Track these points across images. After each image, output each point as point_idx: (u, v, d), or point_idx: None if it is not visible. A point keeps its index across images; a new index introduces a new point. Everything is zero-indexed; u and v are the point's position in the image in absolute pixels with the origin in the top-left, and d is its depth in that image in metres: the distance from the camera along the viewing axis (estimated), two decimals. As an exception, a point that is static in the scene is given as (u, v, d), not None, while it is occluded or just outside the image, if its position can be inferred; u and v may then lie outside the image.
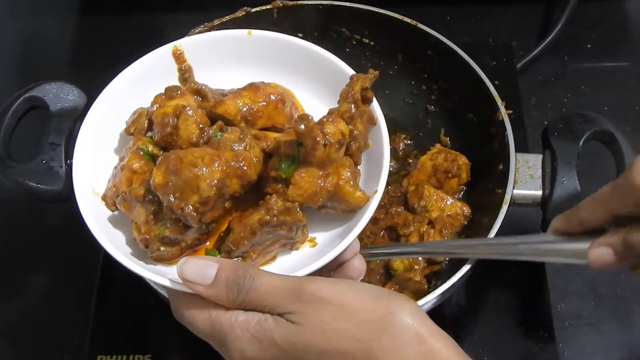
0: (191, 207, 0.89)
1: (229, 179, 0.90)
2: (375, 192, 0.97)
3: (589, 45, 1.73)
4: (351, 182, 0.95)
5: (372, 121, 1.01)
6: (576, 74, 1.69)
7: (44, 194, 1.26)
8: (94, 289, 1.37)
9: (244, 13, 1.41)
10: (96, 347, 1.32)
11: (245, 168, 0.91)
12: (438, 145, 1.44)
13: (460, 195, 1.40)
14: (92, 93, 1.32)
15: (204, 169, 0.89)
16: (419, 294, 1.24)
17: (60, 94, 1.31)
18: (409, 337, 0.81)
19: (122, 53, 1.65)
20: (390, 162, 1.32)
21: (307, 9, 1.44)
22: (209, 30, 1.38)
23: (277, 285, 0.85)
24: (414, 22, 1.40)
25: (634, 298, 1.39)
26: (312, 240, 1.00)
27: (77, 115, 1.30)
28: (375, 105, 1.03)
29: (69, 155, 1.27)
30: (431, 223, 1.33)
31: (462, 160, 1.39)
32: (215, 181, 0.89)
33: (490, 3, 1.77)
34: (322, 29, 1.46)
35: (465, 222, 1.34)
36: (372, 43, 1.46)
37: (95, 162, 1.02)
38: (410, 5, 1.52)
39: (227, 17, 1.39)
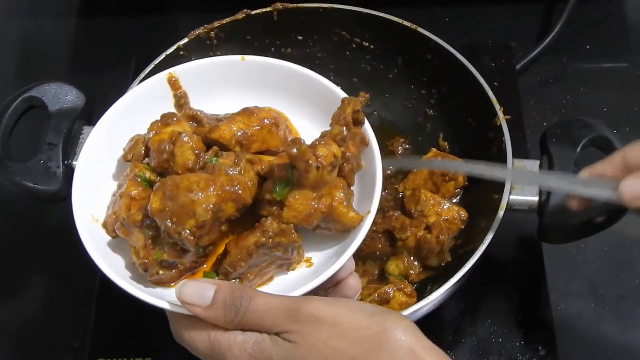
0: (188, 232, 0.91)
1: (225, 203, 0.92)
2: (369, 212, 0.99)
3: (588, 46, 1.73)
4: (344, 203, 0.97)
5: (364, 142, 1.03)
6: (575, 75, 1.68)
7: (42, 194, 1.26)
8: (94, 291, 1.37)
9: (244, 15, 1.41)
10: (96, 350, 1.33)
11: (240, 192, 0.93)
12: (434, 149, 1.44)
13: (457, 199, 1.40)
14: (90, 94, 1.33)
15: (200, 194, 0.90)
16: (405, 307, 1.24)
17: (59, 94, 1.31)
18: (403, 353, 0.82)
19: (120, 55, 1.67)
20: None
21: (307, 12, 1.44)
22: (209, 31, 1.38)
23: (274, 306, 0.86)
24: (413, 26, 1.40)
25: (635, 299, 1.39)
26: (308, 260, 1.02)
27: (76, 116, 1.30)
28: (367, 127, 1.05)
29: (67, 155, 1.27)
30: (428, 228, 1.33)
31: (459, 163, 1.40)
32: (211, 205, 0.90)
33: (489, 4, 1.77)
34: (322, 31, 1.46)
35: (462, 226, 1.34)
36: (372, 46, 1.46)
37: (93, 189, 1.04)
38: (409, 6, 1.53)
39: (226, 19, 1.39)
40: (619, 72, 1.69)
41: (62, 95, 1.31)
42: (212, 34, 1.39)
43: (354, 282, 0.98)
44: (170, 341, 1.34)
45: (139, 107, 1.11)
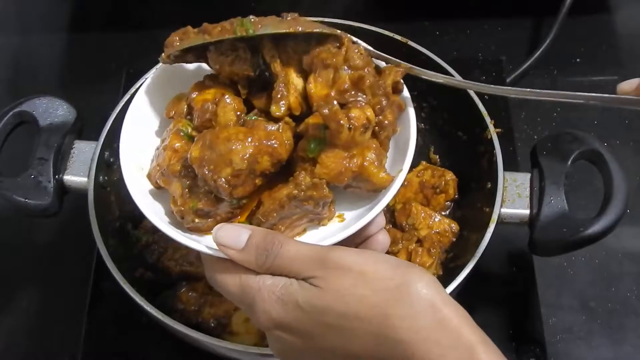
0: (224, 180, 0.94)
1: (261, 156, 0.95)
2: (400, 170, 1.01)
3: (578, 60, 1.73)
4: (375, 164, 0.99)
5: (400, 108, 1.05)
6: (565, 88, 1.66)
7: (32, 209, 1.26)
8: (84, 305, 1.36)
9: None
10: (87, 360, 1.33)
11: (276, 146, 0.96)
12: (424, 162, 1.45)
13: (448, 212, 1.40)
14: (81, 108, 1.33)
15: (237, 144, 0.94)
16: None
17: (49, 109, 1.32)
18: (423, 305, 0.84)
19: (110, 69, 1.67)
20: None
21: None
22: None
23: (303, 252, 0.90)
24: (404, 40, 1.40)
25: (625, 312, 1.40)
26: (341, 216, 1.04)
27: (67, 130, 1.30)
28: (404, 92, 1.07)
29: (58, 170, 1.27)
30: (420, 241, 1.33)
31: (450, 175, 1.40)
32: (247, 155, 0.94)
33: (480, 18, 1.78)
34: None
35: (454, 239, 1.34)
36: (362, 60, 1.46)
37: (139, 142, 1.08)
38: (400, 20, 1.53)
39: (217, 33, 1.39)
40: (608, 86, 1.68)
41: (53, 110, 1.31)
42: (202, 47, 1.39)
43: (383, 238, 1.02)
44: (160, 356, 1.35)
45: (185, 67, 1.13)
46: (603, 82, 1.70)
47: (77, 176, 1.30)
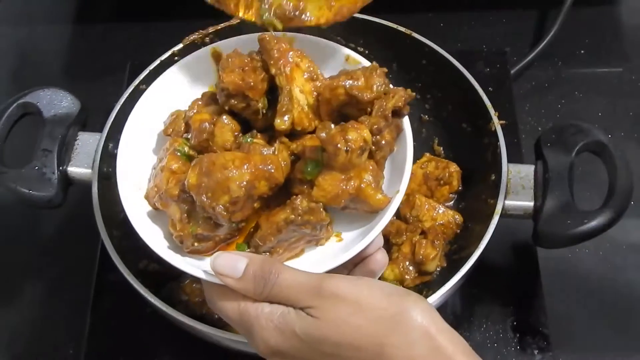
0: (222, 207, 0.95)
1: (258, 181, 0.97)
2: (398, 191, 1.02)
3: (582, 51, 1.73)
4: (372, 185, 1.00)
5: (398, 129, 1.07)
6: (570, 80, 1.68)
7: (36, 200, 1.26)
8: (89, 298, 1.36)
9: (239, 21, 1.40)
10: (91, 357, 1.33)
11: (272, 171, 0.97)
12: (427, 154, 1.45)
13: (452, 204, 1.40)
14: (85, 100, 1.33)
15: (234, 171, 0.95)
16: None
17: (54, 101, 1.32)
18: (418, 334, 0.86)
19: (116, 61, 1.67)
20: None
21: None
22: (204, 37, 1.38)
23: (300, 281, 0.91)
24: (408, 31, 1.40)
25: (629, 304, 1.40)
26: (339, 235, 1.06)
27: (71, 122, 1.30)
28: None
29: (62, 161, 1.27)
30: (423, 233, 1.33)
31: (453, 167, 1.40)
32: (245, 182, 0.95)
33: (484, 9, 1.77)
34: (317, 36, 1.45)
35: (458, 231, 1.35)
36: (366, 52, 1.45)
37: (136, 162, 1.09)
38: (404, 12, 1.52)
39: (221, 25, 1.39)
40: (613, 77, 1.70)
41: (57, 101, 1.32)
42: (207, 39, 1.38)
43: (381, 257, 1.03)
44: (164, 348, 1.35)
45: (183, 81, 1.15)
46: (608, 74, 1.70)
47: (81, 168, 1.30)
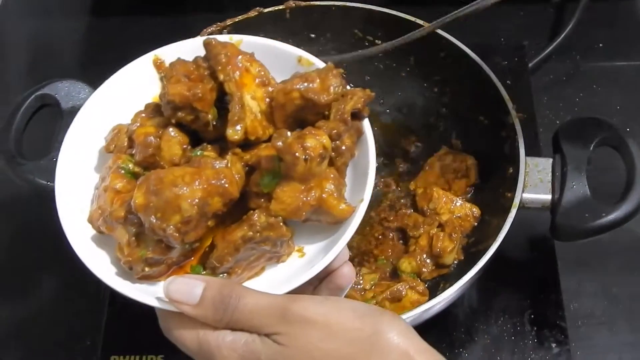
0: (173, 228, 0.87)
1: (211, 197, 0.89)
2: (362, 200, 0.95)
3: (600, 45, 1.72)
4: (335, 195, 0.93)
5: (359, 132, 0.99)
6: (588, 73, 1.68)
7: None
8: (106, 288, 1.35)
9: (256, 13, 1.41)
10: (109, 347, 1.33)
11: (226, 185, 0.90)
12: (445, 147, 1.45)
13: (469, 197, 1.40)
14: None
15: (185, 188, 0.87)
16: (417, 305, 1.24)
17: (71, 92, 1.31)
18: (397, 355, 0.82)
19: (132, 52, 1.66)
20: (402, 164, 1.30)
21: (320, 10, 1.44)
22: (221, 30, 1.38)
23: (263, 305, 0.84)
24: (426, 24, 1.40)
25: (647, 297, 1.39)
26: (301, 250, 0.98)
27: (89, 113, 1.30)
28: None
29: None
30: (441, 226, 1.33)
31: (471, 160, 1.40)
32: (197, 200, 0.87)
33: (502, 3, 1.76)
34: (335, 29, 1.46)
35: (475, 224, 1.35)
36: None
37: (78, 182, 1.00)
38: (423, 5, 1.52)
39: (239, 17, 1.39)
40: (631, 71, 1.69)
41: (75, 93, 1.31)
42: (225, 32, 1.38)
43: (348, 271, 0.95)
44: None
45: (123, 93, 1.05)
46: (627, 67, 1.69)
47: (99, 159, 1.30)
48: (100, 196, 0.96)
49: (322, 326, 0.82)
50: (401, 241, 1.39)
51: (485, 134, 1.39)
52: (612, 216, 1.17)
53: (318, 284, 0.95)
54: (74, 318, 1.40)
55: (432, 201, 1.35)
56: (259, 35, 1.07)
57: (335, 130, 0.93)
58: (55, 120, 1.29)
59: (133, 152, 0.98)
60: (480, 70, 1.36)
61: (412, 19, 1.42)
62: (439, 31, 1.39)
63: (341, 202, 0.93)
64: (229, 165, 0.93)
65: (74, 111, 1.27)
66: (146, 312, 1.33)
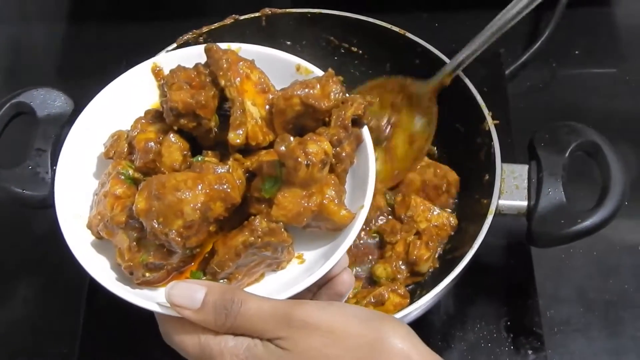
0: (175, 232, 0.88)
1: (213, 202, 0.90)
2: (362, 207, 0.97)
3: (577, 52, 1.73)
4: (335, 201, 0.95)
5: (358, 139, 1.01)
6: (564, 81, 1.69)
7: (30, 200, 1.26)
8: (82, 296, 1.36)
9: (232, 21, 1.41)
10: (84, 356, 1.33)
11: (229, 190, 0.91)
12: (426, 158, 1.44)
13: (451, 210, 1.40)
14: (79, 99, 1.32)
15: (187, 193, 0.88)
16: (399, 308, 1.24)
17: (47, 100, 1.31)
18: None
19: (110, 60, 1.67)
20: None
21: (296, 17, 1.44)
22: (198, 37, 1.38)
23: (265, 310, 0.85)
24: (402, 31, 1.40)
25: (623, 304, 1.40)
26: (300, 256, 1.00)
27: (64, 122, 1.30)
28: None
29: (56, 161, 1.27)
30: (418, 234, 1.33)
31: (452, 176, 1.39)
32: (199, 204, 0.89)
33: (478, 9, 1.77)
34: (311, 37, 1.46)
35: (452, 233, 1.35)
36: (360, 51, 1.46)
37: (77, 188, 1.02)
38: (398, 12, 1.53)
39: (215, 24, 1.39)
40: (607, 78, 1.70)
41: (51, 101, 1.31)
42: (201, 39, 1.38)
43: (348, 278, 0.96)
44: (160, 346, 1.34)
45: (122, 100, 1.08)
46: (603, 74, 1.70)
47: (75, 167, 1.29)
48: (100, 202, 0.97)
49: (326, 332, 0.83)
50: (377, 246, 1.38)
51: (461, 141, 1.39)
52: (588, 222, 1.18)
53: (317, 291, 0.96)
54: (50, 325, 1.40)
55: (410, 209, 1.35)
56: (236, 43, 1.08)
57: (336, 137, 0.95)
58: (30, 128, 1.29)
59: (133, 158, 0.99)
60: (457, 77, 1.36)
61: (388, 25, 1.42)
62: (415, 38, 1.40)
63: (342, 209, 0.95)
64: (231, 170, 0.94)
65: (49, 119, 1.27)
66: (122, 320, 1.33)
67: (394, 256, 1.32)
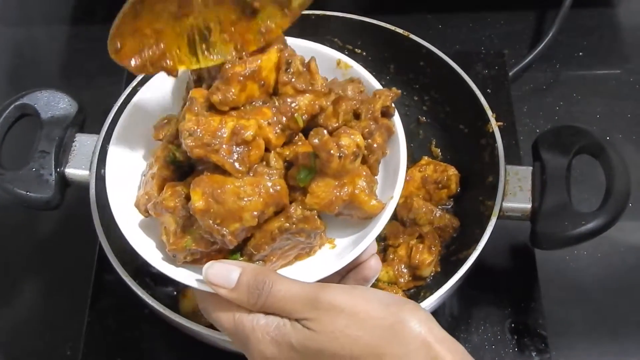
0: (231, 234, 0.93)
1: (267, 208, 0.94)
2: (391, 197, 1.00)
3: (580, 53, 1.73)
4: (366, 191, 0.98)
5: (390, 131, 1.04)
6: (568, 82, 1.69)
7: (34, 202, 1.26)
8: (86, 298, 1.36)
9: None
10: (88, 357, 1.32)
11: (282, 198, 0.96)
12: (426, 157, 1.44)
13: (450, 207, 1.40)
14: (83, 101, 1.33)
15: (246, 200, 0.93)
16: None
17: (51, 102, 1.32)
18: (417, 344, 0.85)
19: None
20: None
21: (299, 19, 1.43)
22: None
23: (294, 292, 0.89)
24: (405, 33, 1.40)
25: (627, 306, 1.39)
26: (332, 242, 1.03)
27: (68, 123, 1.30)
28: (394, 116, 1.06)
29: (59, 163, 1.27)
30: (421, 237, 1.33)
31: (452, 171, 1.39)
32: (256, 212, 0.93)
33: (482, 11, 1.77)
34: (315, 38, 1.45)
35: (455, 234, 1.35)
36: (364, 53, 1.46)
37: (126, 168, 1.05)
38: (402, 14, 1.53)
39: (219, 26, 1.39)
40: (611, 79, 1.70)
41: (55, 103, 1.32)
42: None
43: (375, 264, 1.01)
44: (162, 348, 1.35)
45: (176, 86, 1.10)
46: (607, 76, 1.70)
47: (79, 169, 1.30)
48: (147, 183, 1.02)
49: (349, 314, 0.87)
50: (380, 249, 1.38)
51: (465, 142, 1.40)
52: (592, 224, 1.17)
53: (345, 274, 1.02)
54: (54, 327, 1.40)
55: (412, 211, 1.35)
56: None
57: (367, 129, 1.00)
58: (34, 130, 1.29)
59: (179, 142, 1.00)
60: (460, 79, 1.36)
61: (392, 27, 1.42)
62: (419, 40, 1.40)
63: (372, 199, 0.99)
64: (274, 162, 0.97)
65: (52, 121, 1.28)
66: (126, 322, 1.33)
67: (396, 259, 1.32)
